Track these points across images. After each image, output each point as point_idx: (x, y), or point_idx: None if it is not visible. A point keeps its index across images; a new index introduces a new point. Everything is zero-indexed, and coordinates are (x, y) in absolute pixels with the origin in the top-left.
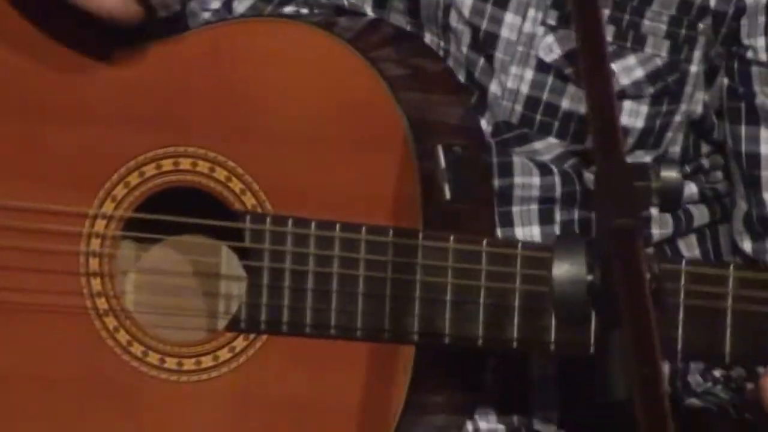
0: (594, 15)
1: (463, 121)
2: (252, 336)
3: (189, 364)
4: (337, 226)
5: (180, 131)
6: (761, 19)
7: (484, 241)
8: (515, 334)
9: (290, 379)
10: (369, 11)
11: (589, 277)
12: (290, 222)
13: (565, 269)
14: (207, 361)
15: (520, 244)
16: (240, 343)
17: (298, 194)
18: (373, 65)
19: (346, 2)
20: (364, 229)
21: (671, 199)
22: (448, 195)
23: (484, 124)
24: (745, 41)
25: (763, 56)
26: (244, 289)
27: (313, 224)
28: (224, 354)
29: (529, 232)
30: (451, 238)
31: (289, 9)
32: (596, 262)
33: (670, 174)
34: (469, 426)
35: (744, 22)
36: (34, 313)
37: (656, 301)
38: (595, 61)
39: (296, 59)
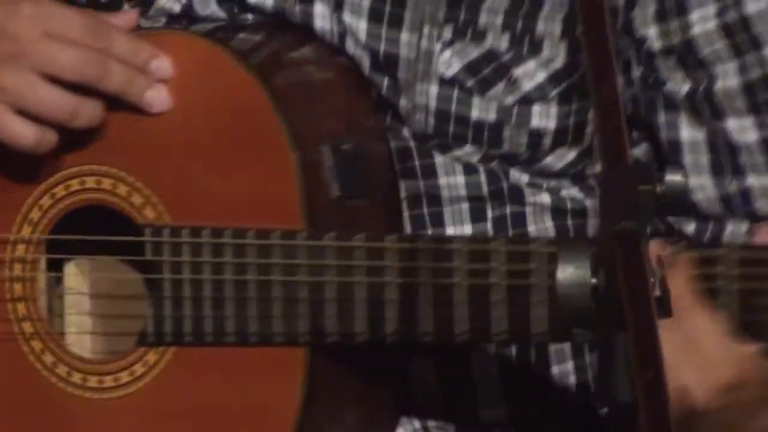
0: (600, 23)
1: (359, 120)
2: (161, 349)
3: (108, 381)
4: (229, 232)
5: (82, 150)
6: (650, 8)
7: (363, 236)
8: (393, 328)
9: (198, 388)
10: None
11: (593, 281)
12: (185, 231)
13: (569, 272)
14: (124, 377)
15: (391, 238)
16: (152, 357)
17: (194, 204)
18: (257, 73)
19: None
20: (251, 233)
21: (676, 204)
22: (337, 192)
23: (406, 132)
24: (639, 31)
25: (656, 44)
26: (153, 304)
27: (205, 232)
28: (139, 369)
29: (461, 230)
30: (332, 235)
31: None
32: (600, 266)
33: (674, 178)
34: (417, 423)
35: (636, 12)
36: None
37: (660, 304)
38: (601, 67)
39: (182, 70)
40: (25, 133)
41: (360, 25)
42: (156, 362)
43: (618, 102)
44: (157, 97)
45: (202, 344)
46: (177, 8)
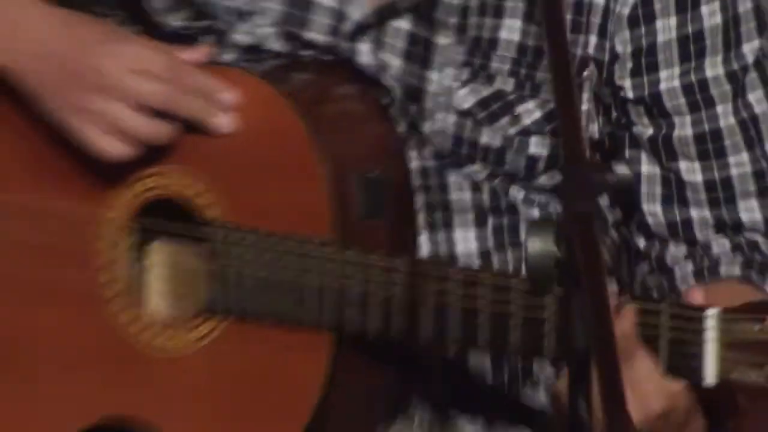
0: (563, 53)
1: (384, 150)
2: (218, 321)
3: (172, 342)
4: (275, 236)
5: (168, 155)
6: (628, 64)
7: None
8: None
9: (243, 355)
10: None
11: (557, 251)
12: (241, 231)
13: (537, 245)
14: (190, 340)
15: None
16: (210, 325)
17: (244, 209)
18: (300, 110)
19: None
20: (292, 240)
21: (623, 192)
22: (361, 213)
23: (427, 153)
24: (618, 82)
25: (632, 93)
26: (211, 283)
27: (254, 234)
28: (201, 333)
29: (465, 234)
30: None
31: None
32: (562, 240)
33: (624, 173)
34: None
35: (617, 66)
36: (58, 298)
37: (610, 272)
38: (565, 88)
39: (241, 101)
40: (111, 150)
41: (395, 63)
42: (212, 330)
43: (578, 114)
44: (221, 123)
45: (250, 320)
46: (248, 40)
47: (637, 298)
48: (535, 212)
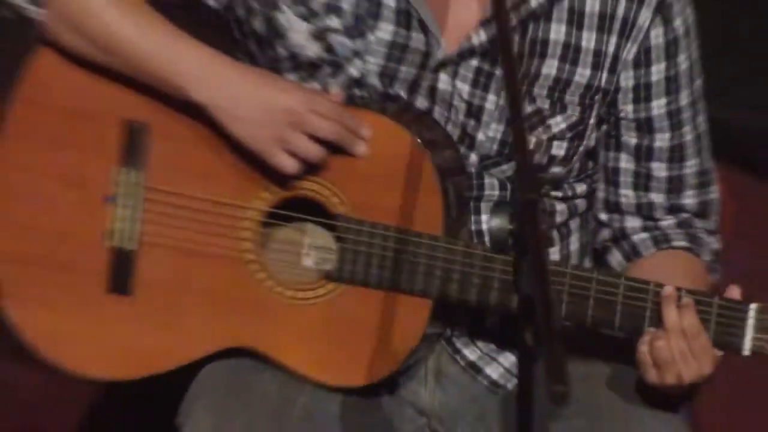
0: (515, 83)
1: (457, 164)
2: (337, 284)
3: (299, 294)
4: (392, 228)
5: (311, 167)
6: (630, 95)
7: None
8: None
9: (354, 310)
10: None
11: (510, 227)
12: (365, 224)
13: (497, 222)
14: (312, 294)
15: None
16: (330, 286)
17: (368, 207)
18: (413, 137)
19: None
20: (412, 232)
21: (555, 184)
22: (455, 215)
23: (473, 157)
24: (620, 106)
25: (630, 115)
26: (337, 257)
27: (381, 226)
28: (321, 291)
29: (487, 218)
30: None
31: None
32: (515, 219)
33: (556, 170)
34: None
35: (620, 95)
36: (211, 258)
37: (547, 243)
38: (516, 109)
39: (375, 132)
40: (288, 165)
41: (465, 88)
42: (332, 290)
43: (525, 132)
44: (360, 149)
45: (361, 285)
46: (356, 75)
47: (693, 292)
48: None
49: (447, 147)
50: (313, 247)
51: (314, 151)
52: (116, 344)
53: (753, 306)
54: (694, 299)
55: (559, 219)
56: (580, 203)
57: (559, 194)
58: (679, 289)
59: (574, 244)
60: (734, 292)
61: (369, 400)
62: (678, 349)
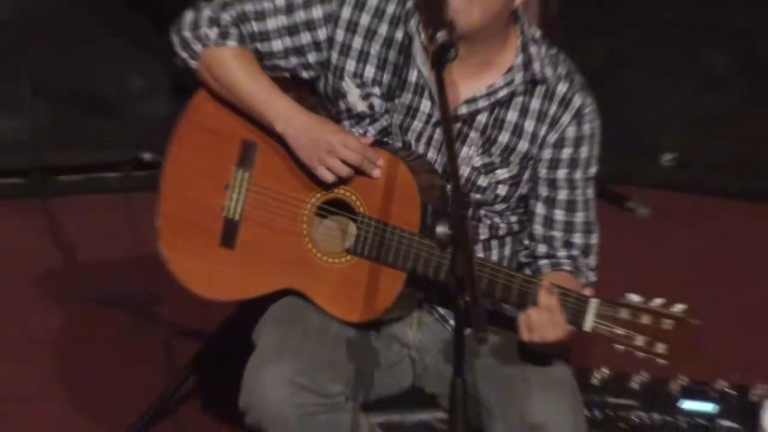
0: (451, 140)
1: (440, 189)
2: (354, 255)
3: (332, 257)
4: (388, 225)
5: (344, 182)
6: (546, 164)
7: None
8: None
9: (363, 272)
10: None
11: (449, 231)
12: (373, 220)
13: (441, 228)
14: (337, 260)
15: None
16: (349, 257)
17: (377, 210)
18: (409, 170)
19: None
20: (407, 232)
21: (477, 205)
22: (429, 223)
23: (449, 187)
24: (540, 170)
25: (544, 176)
26: (355, 239)
27: (386, 225)
28: (343, 259)
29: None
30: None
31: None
32: (452, 226)
33: (476, 196)
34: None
35: (541, 162)
36: (278, 231)
37: (472, 241)
38: (451, 156)
39: (384, 164)
40: (326, 176)
41: (441, 160)
42: (349, 260)
43: (457, 172)
44: (375, 172)
45: (367, 259)
46: (385, 125)
47: (559, 286)
48: (488, 222)
49: (433, 176)
50: (342, 231)
51: (341, 169)
52: (222, 278)
53: (593, 300)
54: (559, 291)
55: (500, 233)
56: (514, 226)
57: (502, 220)
58: (552, 283)
59: (508, 250)
60: (586, 291)
61: (375, 334)
62: (543, 319)
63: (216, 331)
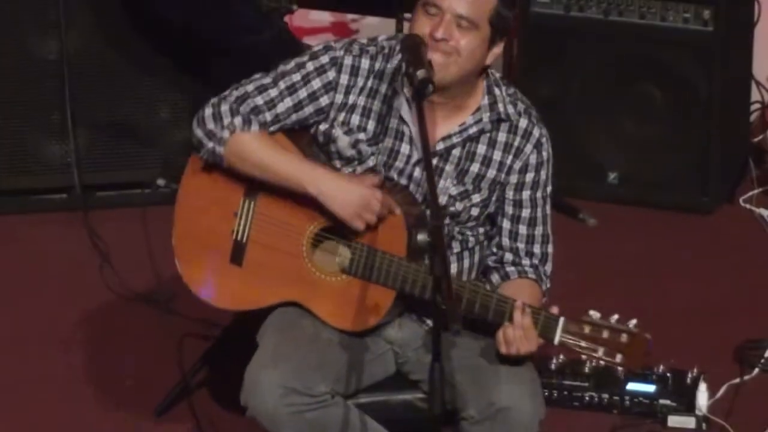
0: (427, 149)
1: (421, 217)
2: (349, 275)
3: (329, 275)
4: (381, 252)
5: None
6: (513, 186)
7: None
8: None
9: (356, 289)
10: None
11: (428, 239)
12: (365, 246)
13: (421, 236)
14: (334, 278)
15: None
16: (344, 276)
17: (368, 238)
18: (393, 199)
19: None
20: (396, 258)
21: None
22: (413, 249)
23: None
24: (507, 192)
25: (511, 197)
26: (349, 261)
27: (373, 248)
28: (339, 277)
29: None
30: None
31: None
32: (429, 235)
33: (452, 209)
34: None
35: (507, 186)
36: (281, 252)
37: (447, 246)
38: (431, 183)
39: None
40: (360, 228)
41: (419, 194)
42: (344, 278)
43: (436, 191)
44: (397, 212)
45: (359, 278)
46: (372, 164)
47: (531, 306)
48: (459, 237)
49: (415, 207)
50: (338, 254)
51: (373, 221)
52: (230, 290)
53: (561, 318)
54: (532, 310)
55: (470, 245)
56: (480, 237)
57: (472, 233)
58: (524, 303)
59: (476, 258)
60: (554, 310)
61: (361, 337)
62: (518, 335)
63: (224, 330)
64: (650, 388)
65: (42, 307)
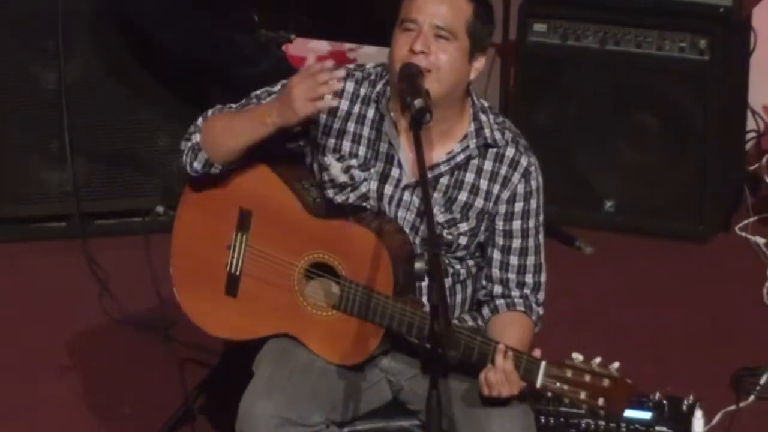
0: (425, 178)
1: (406, 247)
2: (338, 310)
3: (320, 310)
4: (370, 290)
5: (322, 245)
6: (502, 216)
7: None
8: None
9: (345, 325)
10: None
11: (425, 267)
12: (353, 283)
13: (420, 264)
14: (325, 313)
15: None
16: (334, 311)
17: (355, 275)
18: (379, 242)
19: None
20: (383, 297)
21: (454, 253)
22: (401, 284)
23: (417, 239)
24: (496, 222)
25: (501, 227)
26: (338, 297)
27: (360, 285)
28: (329, 312)
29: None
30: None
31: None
32: (428, 262)
33: (448, 236)
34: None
35: (496, 216)
36: (273, 285)
37: (444, 273)
38: (428, 212)
39: (357, 241)
40: (314, 106)
41: (416, 200)
42: (334, 313)
43: (433, 222)
44: (339, 73)
45: (348, 314)
46: (364, 191)
47: (513, 349)
48: (457, 266)
49: (401, 235)
50: (327, 290)
51: (323, 90)
52: (225, 320)
53: (543, 362)
54: (514, 354)
55: (461, 278)
56: (472, 269)
57: (462, 266)
58: (507, 346)
59: (469, 291)
60: (536, 353)
61: (356, 367)
62: (499, 379)
63: (221, 359)
64: (647, 415)
65: (41, 334)
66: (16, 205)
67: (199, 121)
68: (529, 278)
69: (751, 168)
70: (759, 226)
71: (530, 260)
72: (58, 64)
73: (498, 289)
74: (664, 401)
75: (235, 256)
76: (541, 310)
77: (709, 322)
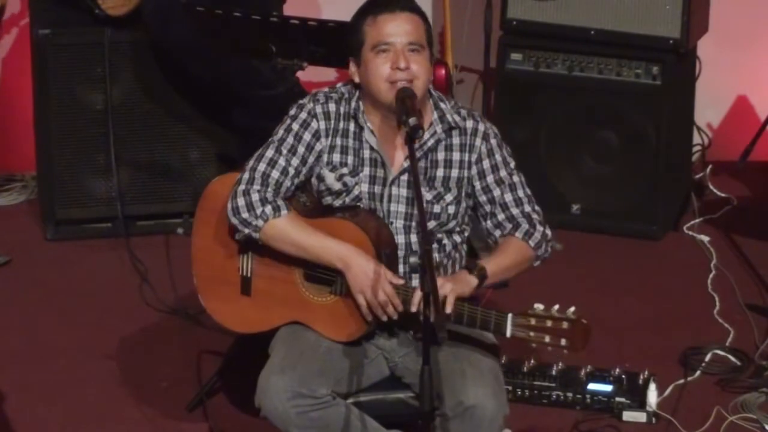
0: (417, 184)
1: (383, 228)
2: (335, 295)
3: (320, 298)
4: None
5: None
6: (476, 176)
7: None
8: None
9: (342, 308)
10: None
11: (419, 261)
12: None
13: (414, 259)
14: (324, 298)
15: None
16: (332, 296)
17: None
18: (363, 230)
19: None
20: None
21: (448, 236)
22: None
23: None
24: (474, 183)
25: (478, 186)
26: (337, 286)
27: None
28: (328, 298)
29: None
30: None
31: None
32: (421, 257)
33: (450, 224)
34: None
35: (473, 178)
36: (280, 281)
37: (432, 264)
38: (419, 199)
39: (346, 234)
40: (361, 301)
41: (403, 192)
42: (333, 298)
43: (423, 209)
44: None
45: (349, 297)
46: (354, 197)
47: (482, 310)
48: (446, 240)
49: (376, 221)
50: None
51: (374, 303)
52: (242, 316)
53: (509, 314)
54: (482, 312)
55: (447, 249)
56: (457, 244)
57: (449, 241)
58: (474, 308)
59: (457, 267)
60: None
61: (356, 345)
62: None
63: (242, 343)
64: (608, 387)
65: (91, 319)
66: (70, 209)
67: (260, 222)
68: (527, 207)
69: (697, 176)
70: (704, 226)
71: (520, 193)
72: (105, 88)
73: (507, 224)
74: (623, 376)
75: (246, 261)
76: (540, 227)
77: (662, 308)
